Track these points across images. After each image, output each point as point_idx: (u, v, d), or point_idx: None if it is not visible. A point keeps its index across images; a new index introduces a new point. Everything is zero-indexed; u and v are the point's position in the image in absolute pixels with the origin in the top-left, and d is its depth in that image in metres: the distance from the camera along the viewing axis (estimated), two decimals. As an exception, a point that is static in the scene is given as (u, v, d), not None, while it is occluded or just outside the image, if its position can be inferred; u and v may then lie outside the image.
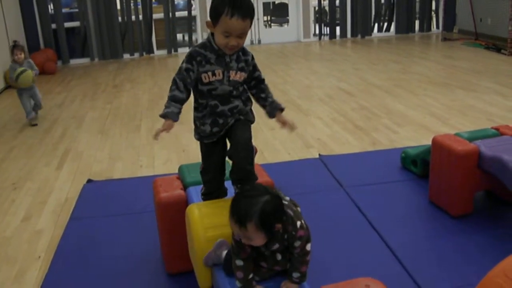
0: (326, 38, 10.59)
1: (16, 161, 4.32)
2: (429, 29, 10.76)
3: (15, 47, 5.13)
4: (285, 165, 3.90)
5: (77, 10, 9.47)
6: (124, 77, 7.84)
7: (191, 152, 4.24)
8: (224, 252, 1.92)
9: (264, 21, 10.96)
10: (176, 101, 2.03)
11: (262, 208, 1.68)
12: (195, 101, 2.15)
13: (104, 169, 4.04)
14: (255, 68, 2.17)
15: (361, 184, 3.44)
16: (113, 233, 2.99)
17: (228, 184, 2.24)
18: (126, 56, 9.57)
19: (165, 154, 4.27)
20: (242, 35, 1.97)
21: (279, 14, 11.14)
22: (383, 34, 10.70)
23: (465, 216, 2.91)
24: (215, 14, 1.94)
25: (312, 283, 1.86)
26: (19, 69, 5.03)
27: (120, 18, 9.42)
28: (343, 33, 10.51)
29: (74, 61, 9.35)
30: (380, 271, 2.35)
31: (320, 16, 10.61)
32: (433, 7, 10.83)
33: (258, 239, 1.72)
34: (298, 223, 1.76)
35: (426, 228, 2.89)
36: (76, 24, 9.52)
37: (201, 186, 2.29)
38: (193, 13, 9.88)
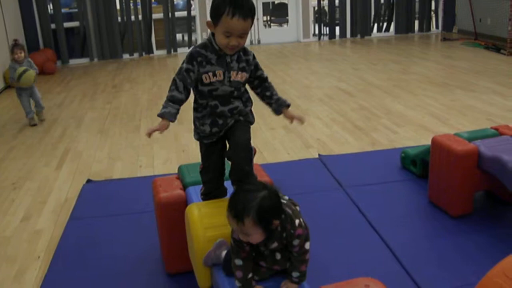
0: (326, 38, 10.59)
1: (16, 161, 4.32)
2: (428, 29, 10.76)
3: (15, 46, 5.13)
4: (285, 165, 3.90)
5: (76, 10, 9.47)
6: (124, 77, 7.84)
7: (191, 152, 4.24)
8: (224, 252, 1.92)
9: (264, 21, 10.96)
10: (174, 101, 2.03)
11: (260, 203, 1.68)
12: (195, 101, 2.15)
13: (103, 169, 4.04)
14: (257, 67, 2.17)
15: (361, 184, 3.45)
16: (113, 233, 2.99)
17: (228, 184, 2.24)
18: (126, 56, 9.57)
19: (164, 154, 4.27)
20: (243, 35, 1.96)
21: (278, 14, 11.15)
22: (382, 34, 10.71)
23: (465, 216, 2.92)
24: (216, 14, 1.94)
25: (312, 283, 1.86)
26: (21, 69, 5.02)
27: (119, 18, 9.42)
28: (343, 33, 10.51)
29: (73, 61, 9.35)
30: (379, 271, 2.35)
31: (320, 16, 10.61)
32: (433, 7, 10.83)
33: (256, 235, 1.71)
34: (297, 221, 1.76)
35: (426, 228, 2.89)
36: (75, 24, 9.51)
37: (201, 186, 2.29)
38: (192, 13, 9.88)
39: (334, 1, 10.32)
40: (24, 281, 2.59)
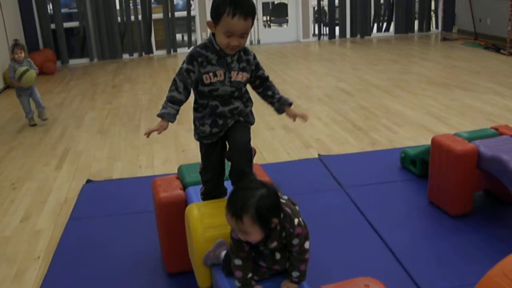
0: (325, 38, 10.59)
1: (16, 161, 4.32)
2: (428, 29, 10.76)
3: (16, 45, 5.13)
4: (284, 165, 3.90)
5: (76, 10, 9.46)
6: (123, 77, 7.84)
7: (191, 152, 4.24)
8: (223, 253, 1.92)
9: (264, 21, 10.96)
10: (173, 102, 2.03)
11: (259, 200, 1.68)
12: (195, 101, 2.14)
13: (103, 169, 4.04)
14: (258, 67, 2.17)
15: (361, 184, 3.45)
16: (113, 233, 2.99)
17: (228, 184, 2.24)
18: (125, 56, 9.56)
19: (164, 154, 4.27)
20: (244, 35, 1.96)
21: (278, 14, 11.15)
22: (382, 34, 10.70)
23: (464, 216, 2.92)
24: (216, 14, 1.93)
25: (312, 282, 1.86)
26: (22, 68, 5.02)
27: (119, 18, 9.41)
28: (342, 33, 10.51)
29: (73, 61, 9.35)
30: (379, 270, 2.36)
31: (320, 16, 10.60)
32: (432, 7, 10.83)
33: (255, 234, 1.71)
34: (296, 220, 1.76)
35: (425, 228, 2.89)
36: (75, 24, 9.50)
37: (201, 186, 2.29)
38: (192, 13, 9.87)
39: (334, 1, 10.31)
40: (24, 281, 2.59)
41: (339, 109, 5.35)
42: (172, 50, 9.76)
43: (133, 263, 2.66)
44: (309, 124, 4.83)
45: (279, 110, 2.23)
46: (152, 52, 9.74)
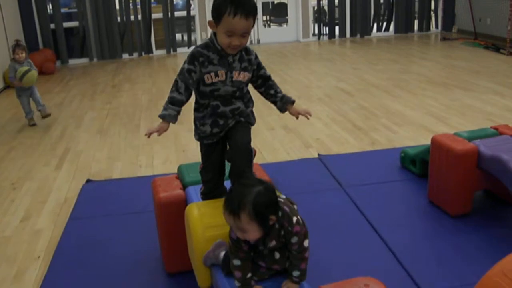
0: (325, 38, 10.59)
1: (15, 161, 4.32)
2: (428, 28, 10.76)
3: (17, 46, 5.13)
4: (284, 165, 3.90)
5: (76, 10, 9.46)
6: (123, 77, 7.84)
7: (190, 152, 4.24)
8: (222, 253, 1.92)
9: (263, 21, 10.96)
10: (174, 103, 2.03)
11: (256, 197, 1.68)
12: (196, 101, 2.14)
13: (103, 169, 4.04)
14: (259, 66, 2.17)
15: (360, 183, 3.45)
16: (113, 233, 2.99)
17: (228, 184, 2.24)
18: (125, 56, 9.56)
19: (164, 154, 4.27)
20: (245, 34, 1.95)
21: (278, 14, 11.15)
22: (382, 33, 10.70)
23: (464, 216, 2.92)
24: (217, 13, 1.93)
25: (312, 282, 1.86)
26: (24, 68, 5.02)
27: (119, 18, 9.41)
28: (342, 33, 10.51)
29: (73, 61, 9.35)
30: (379, 270, 2.36)
31: (319, 16, 10.60)
32: (432, 7, 10.83)
33: (252, 232, 1.70)
34: (294, 218, 1.75)
35: (425, 228, 2.89)
36: (75, 24, 9.50)
37: (200, 185, 2.29)
38: (192, 12, 9.87)
39: (334, 1, 10.31)
40: (24, 281, 2.59)
41: (339, 109, 5.35)
42: (171, 50, 9.76)
43: (133, 263, 2.66)
44: (309, 124, 4.83)
45: (282, 109, 2.23)
46: (152, 52, 9.74)
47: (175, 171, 2.93)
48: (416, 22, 10.76)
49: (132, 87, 7.07)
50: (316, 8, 10.54)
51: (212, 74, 2.02)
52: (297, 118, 2.25)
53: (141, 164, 4.10)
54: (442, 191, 2.95)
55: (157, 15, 9.67)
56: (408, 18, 10.54)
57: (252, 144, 2.16)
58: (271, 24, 11.29)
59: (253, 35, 10.40)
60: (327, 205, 3.19)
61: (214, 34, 2.01)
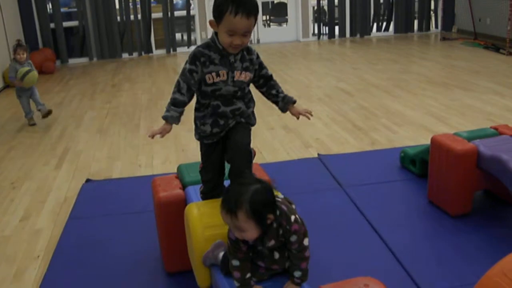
0: (325, 37, 10.59)
1: (15, 160, 4.32)
2: (428, 28, 10.76)
3: (18, 46, 5.13)
4: (284, 164, 3.90)
5: (75, 9, 9.45)
6: (123, 76, 7.83)
7: (190, 151, 4.24)
8: (221, 254, 1.92)
9: (263, 20, 10.96)
10: (176, 104, 2.03)
11: (253, 196, 1.67)
12: (197, 101, 2.13)
13: (103, 168, 4.04)
14: (261, 66, 2.16)
15: (360, 183, 3.45)
16: (113, 232, 2.99)
17: (227, 184, 2.24)
18: (125, 55, 9.56)
19: (164, 154, 4.27)
20: (247, 33, 1.94)
21: (278, 13, 11.15)
22: (382, 33, 10.70)
23: (464, 216, 2.92)
24: (219, 12, 1.92)
25: (312, 282, 1.86)
26: (25, 69, 5.02)
27: (118, 18, 9.41)
28: (342, 33, 10.51)
29: (72, 61, 9.34)
30: (379, 270, 2.35)
31: (319, 15, 10.60)
32: (432, 7, 10.84)
33: (250, 231, 1.70)
34: (292, 217, 1.75)
35: (425, 228, 2.89)
36: (74, 23, 9.50)
37: (200, 185, 2.29)
38: (192, 12, 9.87)
39: (334, 1, 10.31)
40: (24, 280, 2.59)
41: (339, 109, 5.35)
42: (171, 50, 9.76)
43: (133, 263, 2.66)
44: (309, 124, 4.83)
45: (283, 109, 2.23)
46: (152, 52, 9.74)
47: (175, 170, 2.93)
48: (416, 22, 10.76)
49: (132, 86, 7.07)
50: (316, 8, 10.53)
51: (214, 74, 2.01)
52: (298, 118, 2.25)
53: (140, 163, 4.10)
54: (442, 191, 2.95)
55: (157, 14, 9.66)
56: (408, 18, 10.54)
57: (252, 144, 2.16)
58: (271, 24, 11.29)
59: (253, 35, 10.32)
60: (327, 205, 3.19)
61: (216, 33, 2.00)
